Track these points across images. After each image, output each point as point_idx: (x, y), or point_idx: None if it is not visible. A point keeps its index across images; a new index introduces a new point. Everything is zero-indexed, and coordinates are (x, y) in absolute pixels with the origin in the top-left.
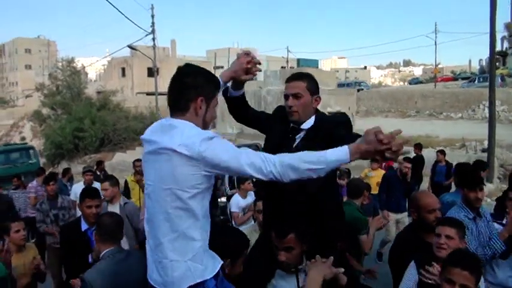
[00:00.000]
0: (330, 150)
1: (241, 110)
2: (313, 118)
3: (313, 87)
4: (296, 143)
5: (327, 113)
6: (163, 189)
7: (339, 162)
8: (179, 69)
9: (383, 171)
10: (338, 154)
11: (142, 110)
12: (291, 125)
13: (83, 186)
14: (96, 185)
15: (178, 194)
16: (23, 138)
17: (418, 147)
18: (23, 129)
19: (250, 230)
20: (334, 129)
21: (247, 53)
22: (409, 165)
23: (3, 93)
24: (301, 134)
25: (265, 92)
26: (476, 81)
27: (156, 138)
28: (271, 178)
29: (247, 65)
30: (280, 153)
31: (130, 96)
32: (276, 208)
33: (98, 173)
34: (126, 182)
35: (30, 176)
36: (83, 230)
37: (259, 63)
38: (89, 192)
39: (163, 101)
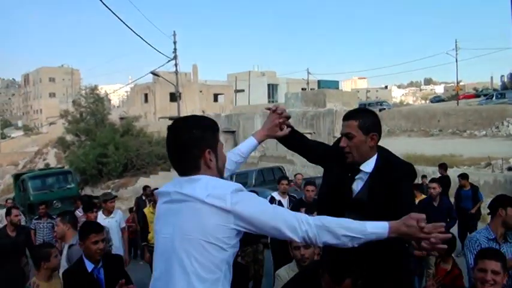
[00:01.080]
0: (370, 223)
1: (302, 150)
2: (374, 158)
3: (368, 124)
4: (357, 186)
5: None
6: (185, 239)
7: (376, 237)
8: (170, 129)
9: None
10: (378, 229)
11: (165, 135)
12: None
13: (102, 216)
14: (118, 213)
15: (205, 245)
16: (47, 165)
17: (443, 167)
18: (47, 156)
19: (288, 271)
20: (401, 185)
21: (274, 110)
22: (435, 185)
23: (27, 120)
24: (362, 176)
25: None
26: (494, 98)
27: (177, 189)
28: (305, 239)
29: (279, 121)
30: (336, 197)
31: (153, 121)
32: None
33: (144, 198)
34: (143, 214)
35: (67, 202)
36: (89, 270)
37: (289, 117)
38: (93, 226)
39: None
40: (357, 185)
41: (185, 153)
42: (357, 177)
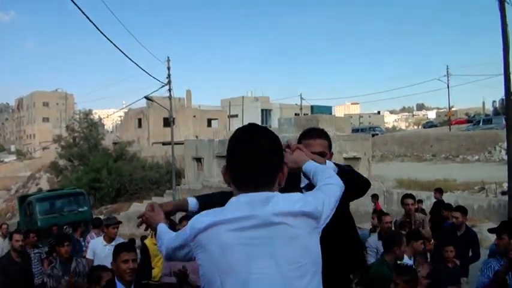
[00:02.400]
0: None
1: None
2: None
3: (330, 143)
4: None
5: (342, 159)
6: (296, 269)
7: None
8: (250, 131)
9: None
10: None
11: (159, 160)
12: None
13: (102, 242)
14: (119, 240)
15: (318, 270)
16: (40, 189)
17: (439, 191)
18: (39, 181)
19: None
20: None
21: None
22: (458, 214)
23: (20, 145)
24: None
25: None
26: (481, 124)
27: (253, 212)
28: (343, 188)
29: None
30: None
31: (146, 146)
32: None
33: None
34: (144, 246)
35: (80, 228)
36: None
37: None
38: (124, 245)
39: (179, 150)
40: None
41: (269, 162)
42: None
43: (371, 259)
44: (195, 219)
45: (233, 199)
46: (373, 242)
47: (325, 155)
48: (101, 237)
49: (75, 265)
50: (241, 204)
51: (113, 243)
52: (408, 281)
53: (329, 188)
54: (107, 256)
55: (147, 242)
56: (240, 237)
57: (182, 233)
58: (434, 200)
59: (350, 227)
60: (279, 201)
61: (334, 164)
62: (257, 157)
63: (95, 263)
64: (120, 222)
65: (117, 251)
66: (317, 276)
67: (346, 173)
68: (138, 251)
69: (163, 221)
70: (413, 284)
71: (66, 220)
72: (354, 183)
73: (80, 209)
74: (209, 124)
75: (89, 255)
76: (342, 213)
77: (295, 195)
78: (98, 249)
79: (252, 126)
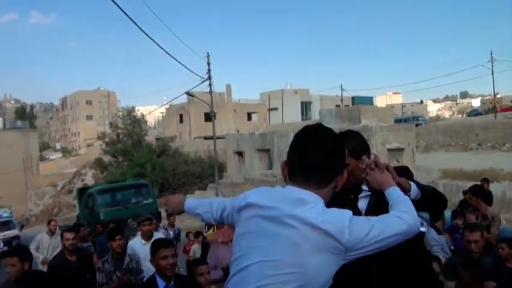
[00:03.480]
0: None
1: None
2: None
3: (357, 148)
4: (363, 204)
5: (386, 150)
6: (280, 274)
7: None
8: (316, 130)
9: None
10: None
11: (201, 154)
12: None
13: (141, 240)
14: (157, 235)
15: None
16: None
17: (486, 181)
18: (85, 177)
19: None
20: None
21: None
22: (504, 246)
23: (65, 143)
24: (365, 194)
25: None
26: None
27: (279, 205)
28: (415, 230)
29: None
30: None
31: (188, 141)
32: None
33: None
34: (205, 242)
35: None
36: None
37: None
38: (161, 242)
39: (220, 144)
40: (363, 204)
41: (331, 163)
42: (360, 196)
43: (441, 255)
44: (247, 194)
45: (279, 187)
46: (436, 237)
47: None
48: (139, 236)
49: (128, 261)
50: (279, 194)
51: (152, 240)
52: (476, 275)
53: (393, 220)
54: (147, 255)
55: (209, 236)
56: (258, 224)
57: (233, 201)
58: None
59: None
60: (306, 209)
61: (417, 185)
62: (319, 155)
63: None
64: (150, 219)
65: (155, 247)
66: None
67: (429, 194)
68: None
69: None
70: (481, 278)
71: (130, 213)
72: (436, 205)
73: (145, 201)
74: (249, 118)
75: None
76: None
77: (337, 212)
78: (137, 249)
79: (319, 125)
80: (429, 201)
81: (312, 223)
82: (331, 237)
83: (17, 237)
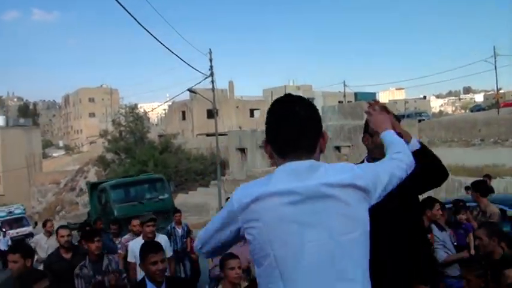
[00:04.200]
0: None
1: None
2: None
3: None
4: None
5: None
6: (348, 239)
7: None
8: (286, 100)
9: None
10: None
11: (203, 151)
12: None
13: (142, 241)
14: (160, 237)
15: (367, 239)
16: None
17: (488, 178)
18: (87, 174)
19: None
20: None
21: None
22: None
23: (68, 140)
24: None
25: (323, 128)
26: None
27: (303, 183)
28: (411, 166)
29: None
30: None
31: (190, 138)
32: None
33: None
34: None
35: (161, 218)
36: None
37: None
38: (150, 246)
39: (222, 141)
40: None
41: (309, 128)
42: None
43: (441, 253)
44: (240, 192)
45: (279, 168)
46: (438, 234)
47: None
48: (140, 237)
49: (107, 263)
50: (288, 174)
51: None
52: (481, 275)
53: (393, 163)
54: None
55: None
56: (295, 209)
57: (223, 211)
58: None
59: (420, 222)
60: (327, 172)
61: (419, 142)
62: (295, 125)
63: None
64: (154, 219)
65: (144, 252)
66: (366, 245)
67: (428, 154)
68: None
69: None
70: (485, 277)
71: (146, 209)
72: (433, 168)
73: (161, 197)
74: (252, 114)
75: (130, 258)
76: (411, 204)
77: (343, 166)
78: (138, 250)
79: (287, 95)
80: (427, 155)
81: (342, 183)
82: (362, 189)
83: (30, 234)
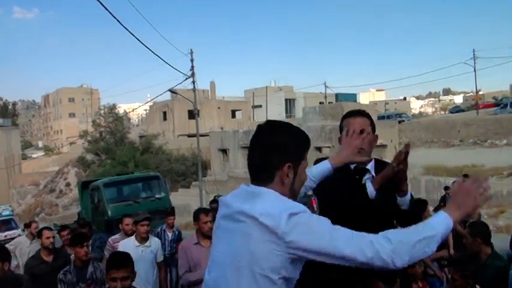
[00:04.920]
0: (432, 219)
1: None
2: (373, 161)
3: (374, 124)
4: (369, 187)
5: None
6: (235, 266)
7: (447, 229)
8: (259, 127)
9: None
10: (442, 220)
11: (184, 152)
12: (352, 166)
13: (134, 242)
14: (153, 240)
15: (254, 276)
16: (68, 184)
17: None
18: (67, 175)
19: None
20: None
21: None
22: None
23: (48, 141)
24: (369, 176)
25: (305, 128)
26: (508, 107)
27: (235, 203)
28: (383, 263)
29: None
30: (351, 200)
31: (172, 139)
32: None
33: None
34: None
35: (157, 218)
36: None
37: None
38: (114, 260)
39: (204, 142)
40: (370, 188)
41: (264, 158)
42: (365, 178)
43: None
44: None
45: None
46: None
47: (368, 133)
48: (133, 237)
49: (92, 270)
50: (236, 192)
51: (147, 243)
52: (467, 276)
53: (361, 242)
54: (140, 259)
55: None
56: (222, 221)
57: None
58: None
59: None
60: (256, 203)
61: (411, 198)
62: (256, 152)
63: None
64: (149, 218)
65: (107, 264)
66: (253, 286)
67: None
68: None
69: None
70: (471, 277)
71: (142, 209)
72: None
73: (158, 196)
74: (233, 115)
75: None
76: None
77: (279, 205)
78: (129, 251)
79: (266, 122)
80: (409, 218)
81: (254, 216)
82: (268, 229)
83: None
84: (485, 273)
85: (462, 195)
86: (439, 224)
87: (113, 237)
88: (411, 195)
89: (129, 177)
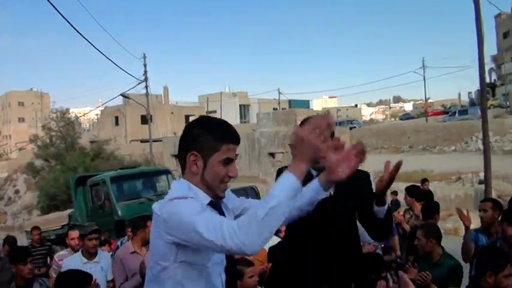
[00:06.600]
0: (274, 187)
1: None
2: None
3: (333, 130)
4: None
5: None
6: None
7: (291, 190)
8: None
9: None
10: (283, 184)
11: (137, 158)
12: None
13: (81, 258)
14: (103, 255)
15: (150, 264)
16: (17, 191)
17: (426, 181)
18: (16, 182)
19: None
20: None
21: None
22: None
23: None
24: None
25: (258, 134)
26: (457, 115)
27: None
28: (236, 247)
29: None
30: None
31: (124, 144)
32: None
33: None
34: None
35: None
36: None
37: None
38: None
39: (157, 147)
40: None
41: (179, 149)
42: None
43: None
44: None
45: None
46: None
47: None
48: (79, 253)
49: (38, 287)
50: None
51: (96, 259)
52: (429, 234)
53: (216, 225)
54: None
55: None
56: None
57: None
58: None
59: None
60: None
61: (388, 210)
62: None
63: None
64: (98, 231)
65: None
66: (150, 275)
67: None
68: None
69: None
70: (434, 238)
71: (145, 210)
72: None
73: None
74: (187, 120)
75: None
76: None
77: (171, 192)
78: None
79: (197, 118)
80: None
81: (154, 209)
82: (157, 218)
83: None
84: (439, 272)
85: (299, 146)
86: (280, 192)
87: (59, 253)
88: (389, 206)
89: (139, 171)
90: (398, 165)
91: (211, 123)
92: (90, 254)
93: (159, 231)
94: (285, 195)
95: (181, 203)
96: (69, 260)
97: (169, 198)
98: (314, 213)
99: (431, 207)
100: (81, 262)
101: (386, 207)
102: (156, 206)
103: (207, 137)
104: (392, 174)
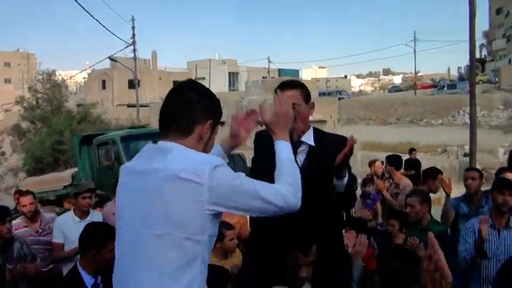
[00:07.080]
0: (279, 151)
1: None
2: (311, 131)
3: (308, 94)
4: (300, 159)
5: (308, 121)
6: (153, 237)
7: (290, 150)
8: (182, 83)
9: None
10: (284, 149)
11: (123, 122)
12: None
13: (73, 217)
14: (95, 214)
15: (180, 242)
16: (3, 153)
17: (414, 151)
18: (2, 144)
19: None
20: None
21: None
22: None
23: None
24: (304, 148)
25: (246, 102)
26: (445, 88)
27: (141, 166)
28: (290, 206)
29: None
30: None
31: (111, 108)
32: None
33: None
34: None
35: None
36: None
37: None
38: (109, 231)
39: (144, 112)
40: (300, 159)
41: (187, 111)
42: (299, 150)
43: None
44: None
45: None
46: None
47: (299, 106)
48: (71, 212)
49: (19, 246)
50: (142, 153)
51: (88, 218)
52: (424, 200)
53: (272, 190)
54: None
55: None
56: (128, 181)
57: None
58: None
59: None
60: (169, 159)
61: (349, 179)
62: (176, 105)
63: (66, 247)
64: (93, 190)
65: (103, 235)
66: (173, 249)
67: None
68: None
69: None
70: (428, 204)
71: None
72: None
73: None
74: None
75: (56, 238)
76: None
77: (198, 159)
78: (68, 229)
79: (189, 80)
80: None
81: (173, 173)
82: (191, 185)
83: None
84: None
85: (275, 120)
86: (287, 154)
87: (14, 222)
88: (350, 180)
89: (151, 131)
90: (351, 143)
91: (216, 97)
92: (83, 213)
93: (195, 201)
94: (291, 155)
95: (228, 171)
96: (61, 219)
97: (212, 165)
98: None
99: (426, 173)
100: (73, 221)
101: (345, 181)
102: (186, 172)
103: (218, 109)
104: (352, 146)
